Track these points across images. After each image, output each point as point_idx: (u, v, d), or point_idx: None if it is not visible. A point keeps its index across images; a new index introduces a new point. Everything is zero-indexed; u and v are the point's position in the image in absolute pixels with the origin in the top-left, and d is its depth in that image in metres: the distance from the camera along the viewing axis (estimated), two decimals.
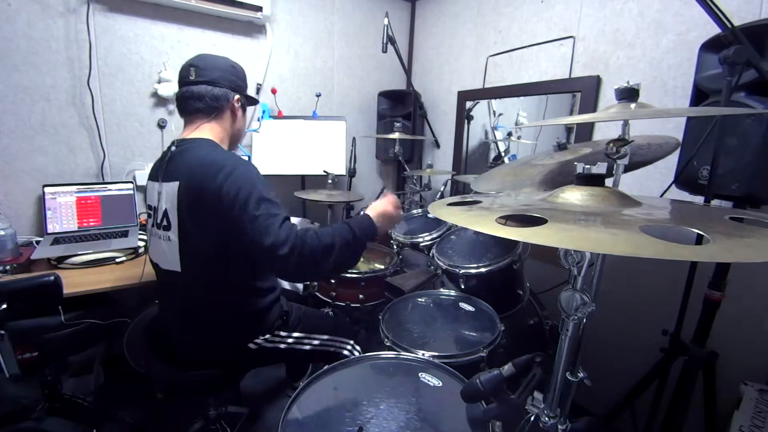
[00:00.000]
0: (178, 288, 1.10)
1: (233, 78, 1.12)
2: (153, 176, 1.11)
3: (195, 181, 0.97)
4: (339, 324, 1.42)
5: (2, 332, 1.04)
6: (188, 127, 1.11)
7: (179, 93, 1.09)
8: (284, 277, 1.05)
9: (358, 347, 1.27)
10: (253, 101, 1.25)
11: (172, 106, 1.95)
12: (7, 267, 1.36)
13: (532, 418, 0.75)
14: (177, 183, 0.99)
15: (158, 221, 1.06)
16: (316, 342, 1.21)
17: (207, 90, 1.07)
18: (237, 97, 1.13)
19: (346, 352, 1.24)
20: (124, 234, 1.70)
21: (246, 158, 2.11)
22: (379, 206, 1.10)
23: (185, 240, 1.01)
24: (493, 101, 2.16)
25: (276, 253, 0.89)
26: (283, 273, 1.02)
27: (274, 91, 2.19)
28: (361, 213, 1.09)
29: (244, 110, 1.19)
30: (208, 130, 1.09)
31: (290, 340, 1.17)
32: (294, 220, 2.09)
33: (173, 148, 1.06)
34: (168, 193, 1.01)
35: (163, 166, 1.04)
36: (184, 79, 1.08)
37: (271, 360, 1.21)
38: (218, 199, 0.93)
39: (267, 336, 1.14)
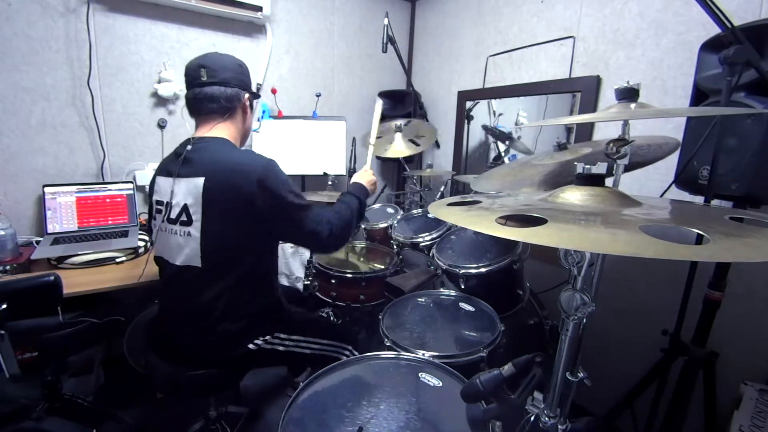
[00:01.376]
0: (188, 284, 1.09)
1: (242, 77, 1.14)
2: (164, 172, 1.11)
3: (228, 181, 1.00)
4: (339, 329, 1.43)
5: (2, 332, 1.04)
6: (202, 126, 1.12)
7: (191, 94, 1.09)
8: (324, 250, 1.53)
9: (356, 353, 1.26)
10: (257, 95, 1.27)
11: (173, 106, 1.95)
12: (7, 267, 1.36)
13: (532, 418, 0.75)
14: (202, 179, 1.01)
15: (172, 216, 1.06)
16: (315, 346, 1.21)
17: (221, 91, 1.08)
18: (247, 95, 1.16)
19: (343, 358, 1.24)
20: (124, 234, 1.70)
21: None
22: (363, 176, 1.35)
23: (209, 235, 1.02)
24: (493, 101, 2.16)
25: (319, 236, 1.08)
26: (324, 248, 1.38)
27: (274, 91, 2.19)
28: (352, 182, 1.34)
29: (252, 107, 1.22)
30: (222, 130, 1.11)
31: (289, 343, 1.17)
32: None
33: (189, 146, 1.07)
34: (189, 189, 1.02)
35: (179, 162, 1.05)
36: (194, 80, 1.08)
37: (269, 362, 1.21)
38: (258, 198, 0.99)
39: (267, 337, 1.14)
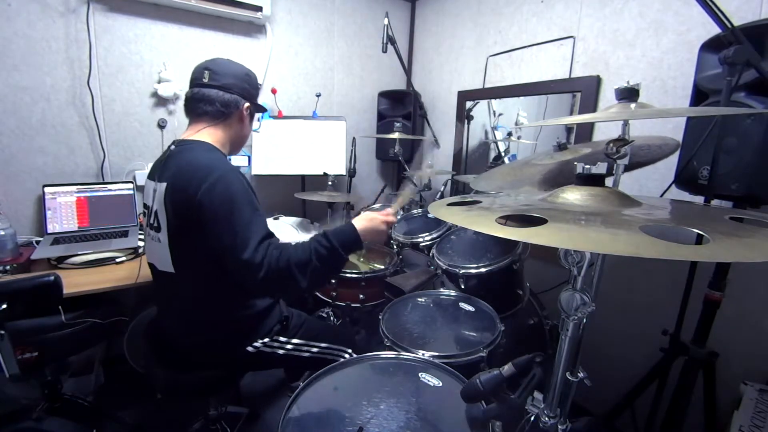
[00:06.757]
0: (174, 289, 1.09)
1: (246, 86, 1.13)
2: (151, 175, 1.10)
3: (180, 184, 0.96)
4: (339, 332, 1.42)
5: (2, 332, 1.04)
6: (191, 127, 1.11)
7: (189, 93, 1.09)
8: (258, 294, 1.13)
9: (355, 355, 1.26)
10: (261, 109, 1.25)
11: (173, 106, 1.95)
12: (7, 267, 1.36)
13: (532, 418, 0.75)
14: (165, 184, 0.99)
15: (151, 221, 1.06)
16: (315, 350, 1.20)
17: (218, 95, 1.07)
18: (247, 105, 1.14)
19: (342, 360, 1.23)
20: (124, 234, 1.70)
21: (246, 158, 2.11)
22: (369, 219, 1.06)
23: (175, 242, 1.01)
24: (493, 101, 2.16)
25: (249, 271, 0.89)
26: (256, 291, 1.11)
27: (274, 91, 2.19)
28: (349, 220, 1.08)
29: (251, 118, 1.20)
30: (209, 134, 1.09)
31: (289, 347, 1.17)
32: (293, 220, 2.09)
33: (173, 147, 1.06)
34: (158, 194, 1.01)
35: (160, 166, 1.04)
36: (196, 81, 1.08)
37: (269, 365, 1.21)
38: (200, 208, 0.92)
39: (266, 340, 1.13)
